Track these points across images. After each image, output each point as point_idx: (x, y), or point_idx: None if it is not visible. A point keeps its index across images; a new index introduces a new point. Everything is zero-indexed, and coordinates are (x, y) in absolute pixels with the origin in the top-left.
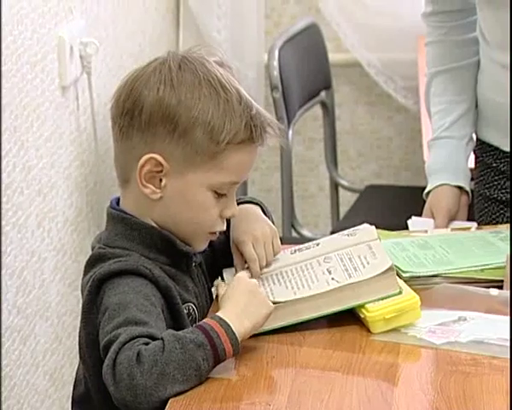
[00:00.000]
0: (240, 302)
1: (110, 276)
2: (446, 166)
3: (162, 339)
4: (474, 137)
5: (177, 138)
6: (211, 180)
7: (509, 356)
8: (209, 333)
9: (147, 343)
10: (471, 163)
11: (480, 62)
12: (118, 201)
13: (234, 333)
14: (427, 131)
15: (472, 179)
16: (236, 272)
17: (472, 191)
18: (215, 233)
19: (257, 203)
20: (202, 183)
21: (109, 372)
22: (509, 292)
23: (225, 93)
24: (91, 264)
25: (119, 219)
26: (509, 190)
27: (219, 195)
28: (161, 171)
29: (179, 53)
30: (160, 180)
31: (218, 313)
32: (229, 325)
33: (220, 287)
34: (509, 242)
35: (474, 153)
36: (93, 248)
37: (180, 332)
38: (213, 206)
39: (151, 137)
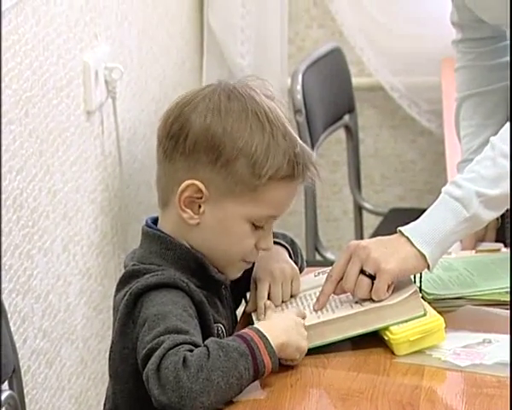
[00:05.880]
0: (280, 324)
1: (148, 289)
2: None
3: (206, 346)
4: None
5: (219, 168)
6: (249, 212)
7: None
8: (250, 343)
9: (191, 350)
10: None
11: None
12: (153, 221)
13: (272, 347)
14: (451, 154)
15: None
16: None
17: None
18: (248, 262)
19: (285, 246)
20: (240, 214)
21: (154, 376)
22: None
23: (271, 128)
24: (125, 281)
25: (154, 237)
26: None
27: (256, 227)
28: (201, 197)
29: (231, 83)
30: (199, 206)
31: (256, 326)
32: (267, 338)
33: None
34: None
35: None
36: (126, 266)
37: (223, 340)
38: (249, 237)
39: (194, 164)
